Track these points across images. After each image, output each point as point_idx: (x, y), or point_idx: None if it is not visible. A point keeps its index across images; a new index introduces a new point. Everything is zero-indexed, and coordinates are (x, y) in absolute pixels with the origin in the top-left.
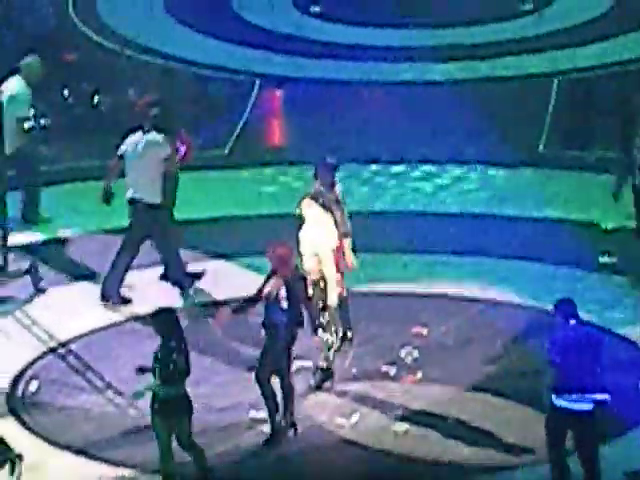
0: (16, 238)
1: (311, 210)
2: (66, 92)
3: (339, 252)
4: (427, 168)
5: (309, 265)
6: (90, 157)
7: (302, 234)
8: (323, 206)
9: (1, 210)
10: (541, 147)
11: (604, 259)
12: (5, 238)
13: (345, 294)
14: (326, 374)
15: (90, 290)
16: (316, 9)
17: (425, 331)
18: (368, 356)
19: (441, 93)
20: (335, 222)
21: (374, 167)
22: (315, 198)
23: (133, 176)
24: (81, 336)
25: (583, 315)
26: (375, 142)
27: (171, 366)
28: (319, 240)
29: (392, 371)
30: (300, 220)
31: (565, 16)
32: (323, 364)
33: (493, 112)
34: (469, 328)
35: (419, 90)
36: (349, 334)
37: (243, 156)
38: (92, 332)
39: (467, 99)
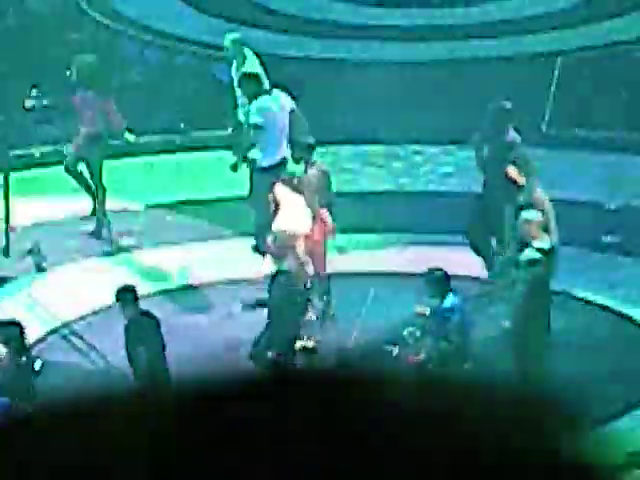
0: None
1: (282, 194)
2: (68, 72)
3: (319, 225)
4: (429, 149)
5: (282, 246)
6: None
7: (276, 218)
8: (295, 189)
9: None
10: (544, 127)
11: (608, 239)
12: (7, 219)
13: (325, 271)
14: (312, 352)
15: (93, 268)
16: None
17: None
18: (371, 336)
19: (442, 73)
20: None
21: (375, 148)
22: (286, 182)
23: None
24: (84, 316)
25: (588, 295)
26: (373, 122)
27: None
28: (290, 222)
29: (395, 351)
30: (275, 205)
31: None
32: (308, 343)
33: (494, 91)
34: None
35: (420, 70)
36: (330, 311)
37: None
38: (95, 312)
39: (467, 79)
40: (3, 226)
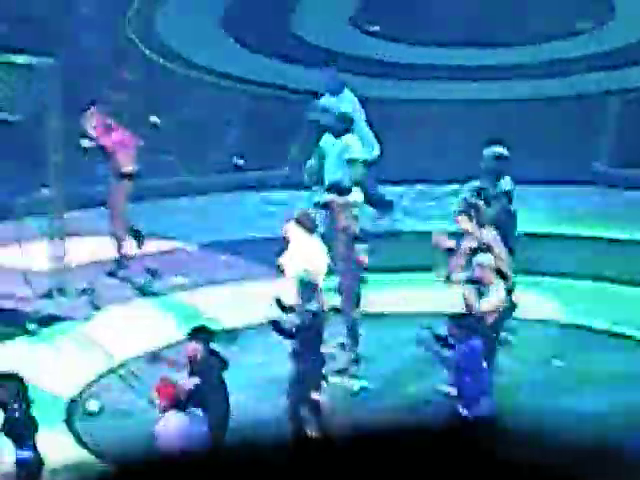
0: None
1: (295, 234)
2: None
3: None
4: None
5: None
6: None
7: (284, 258)
8: (309, 229)
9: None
10: (598, 165)
11: None
12: (63, 259)
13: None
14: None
15: (147, 307)
16: (374, 28)
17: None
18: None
19: (498, 111)
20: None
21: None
22: (300, 221)
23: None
24: (140, 356)
25: None
26: (431, 160)
27: None
28: (301, 265)
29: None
30: (285, 243)
31: (622, 35)
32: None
33: (549, 130)
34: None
35: (478, 108)
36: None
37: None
38: (148, 352)
39: (524, 117)
40: (59, 265)
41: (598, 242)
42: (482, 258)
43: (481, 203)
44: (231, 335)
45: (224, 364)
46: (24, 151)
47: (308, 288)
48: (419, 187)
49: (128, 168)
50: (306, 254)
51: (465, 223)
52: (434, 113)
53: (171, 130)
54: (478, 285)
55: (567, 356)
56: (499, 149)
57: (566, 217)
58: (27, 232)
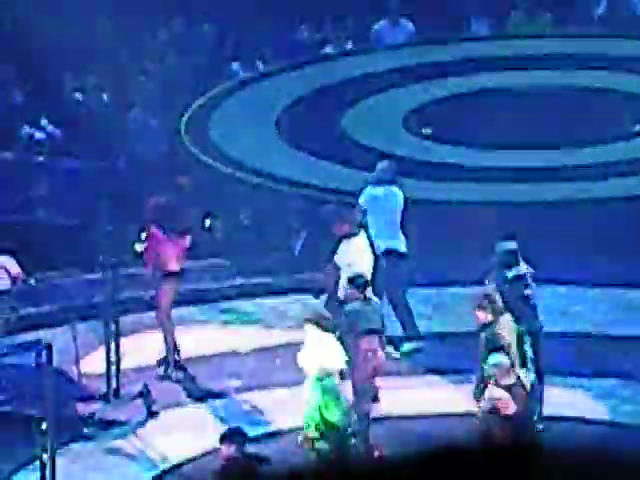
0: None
1: (310, 335)
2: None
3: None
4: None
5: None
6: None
7: (300, 358)
8: (325, 329)
9: None
10: None
11: None
12: (118, 362)
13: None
14: None
15: (202, 412)
16: (428, 131)
17: None
18: None
19: (557, 214)
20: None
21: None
22: (315, 322)
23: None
24: (194, 459)
25: None
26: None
27: None
28: (320, 364)
29: None
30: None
31: None
32: None
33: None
34: None
35: (541, 211)
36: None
37: None
38: (205, 454)
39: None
40: (113, 368)
41: None
42: (498, 358)
43: (494, 292)
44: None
45: (264, 461)
46: (78, 255)
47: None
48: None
49: (173, 267)
50: (322, 353)
51: (480, 315)
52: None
53: (226, 234)
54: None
55: None
56: (510, 244)
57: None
58: (82, 336)
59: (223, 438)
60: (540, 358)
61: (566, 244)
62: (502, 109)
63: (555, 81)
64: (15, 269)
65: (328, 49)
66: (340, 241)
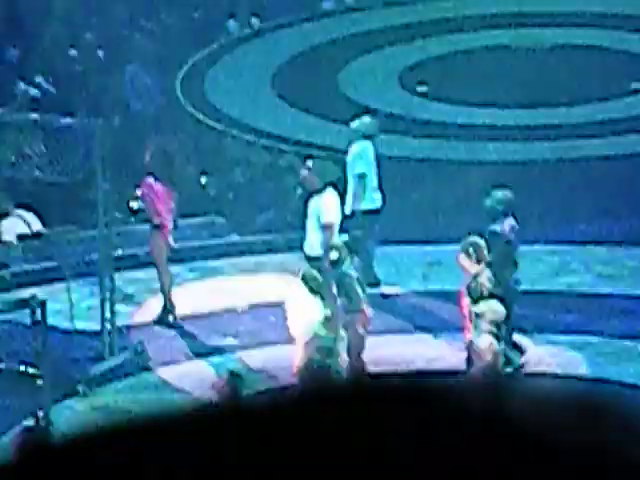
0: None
1: (295, 292)
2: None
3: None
4: (554, 248)
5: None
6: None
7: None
8: (311, 289)
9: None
10: None
11: None
12: (112, 320)
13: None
14: None
15: (198, 369)
16: (422, 89)
17: None
18: None
19: (551, 171)
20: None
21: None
22: (305, 279)
23: None
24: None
25: None
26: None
27: None
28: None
29: None
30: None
31: None
32: None
33: (595, 191)
34: None
35: (532, 169)
36: None
37: None
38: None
39: (568, 178)
40: (108, 326)
41: None
42: (491, 305)
43: (480, 241)
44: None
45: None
46: (73, 213)
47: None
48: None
49: (163, 219)
50: (307, 313)
51: (463, 261)
52: (484, 173)
53: (221, 191)
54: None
55: None
56: (506, 192)
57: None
58: (78, 293)
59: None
60: (510, 317)
61: (563, 203)
62: (501, 66)
63: (554, 39)
64: (37, 224)
65: (326, 5)
66: (311, 195)
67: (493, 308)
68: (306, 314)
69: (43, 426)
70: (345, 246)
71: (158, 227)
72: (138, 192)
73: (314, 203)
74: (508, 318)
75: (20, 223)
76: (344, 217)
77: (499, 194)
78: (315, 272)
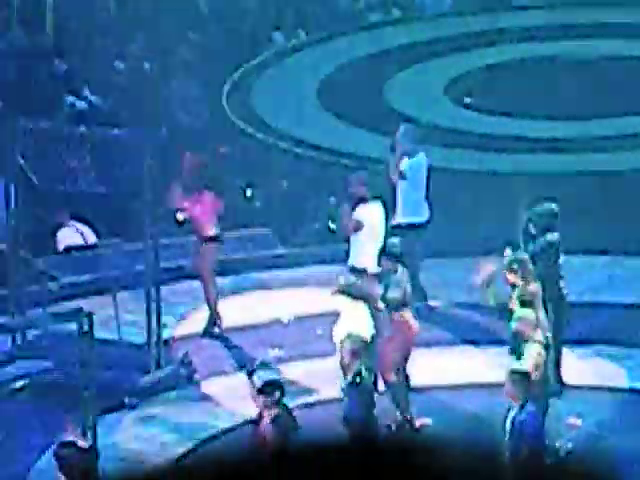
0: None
1: (339, 304)
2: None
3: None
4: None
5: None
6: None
7: (335, 328)
8: (354, 297)
9: None
10: None
11: None
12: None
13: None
14: None
15: (244, 381)
16: (468, 100)
17: (579, 422)
18: None
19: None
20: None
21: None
22: (343, 291)
23: None
24: (235, 428)
25: None
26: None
27: None
28: (357, 327)
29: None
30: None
31: None
32: None
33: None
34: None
35: (565, 182)
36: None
37: None
38: (246, 423)
39: (604, 191)
40: (155, 337)
41: None
42: (523, 312)
43: (526, 257)
44: None
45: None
46: (120, 225)
47: (353, 354)
48: None
49: (210, 232)
50: (353, 322)
51: (512, 278)
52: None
53: (267, 203)
54: (516, 339)
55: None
56: (553, 206)
57: None
58: (125, 305)
59: (261, 389)
60: (562, 327)
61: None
62: (548, 78)
63: (601, 51)
64: (92, 238)
65: (373, 17)
66: (357, 204)
67: (541, 320)
68: (355, 321)
69: (88, 439)
70: (394, 257)
71: (205, 239)
72: (185, 204)
73: (360, 214)
74: (559, 331)
75: (76, 235)
76: (391, 229)
77: (545, 207)
78: (352, 278)
